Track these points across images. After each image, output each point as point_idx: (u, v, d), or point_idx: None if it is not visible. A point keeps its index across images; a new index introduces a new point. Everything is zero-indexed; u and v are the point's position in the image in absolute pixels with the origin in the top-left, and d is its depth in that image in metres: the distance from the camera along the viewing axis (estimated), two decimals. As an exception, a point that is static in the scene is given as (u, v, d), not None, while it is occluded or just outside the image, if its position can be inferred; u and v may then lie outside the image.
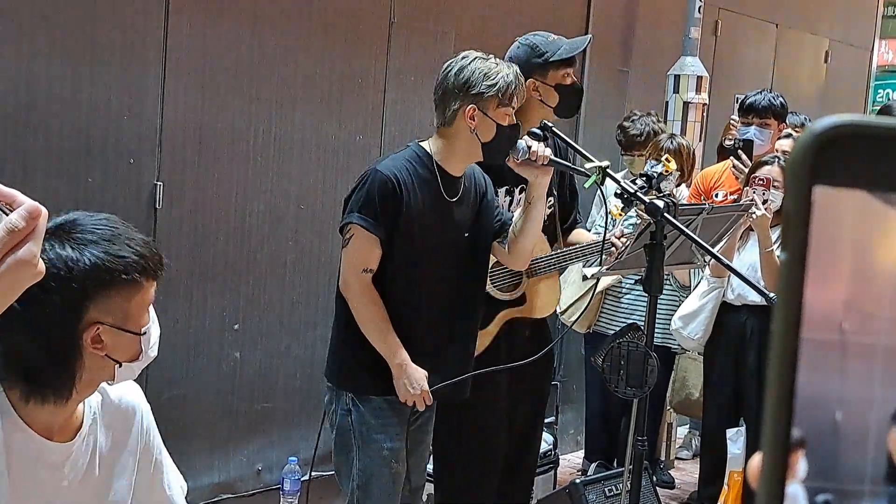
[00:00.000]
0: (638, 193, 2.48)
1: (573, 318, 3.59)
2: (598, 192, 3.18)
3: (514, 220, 2.55)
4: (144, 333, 1.43)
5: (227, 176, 3.40)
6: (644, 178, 2.67)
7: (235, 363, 3.50)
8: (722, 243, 3.12)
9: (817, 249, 0.36)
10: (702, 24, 4.87)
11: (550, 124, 2.72)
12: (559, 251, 2.96)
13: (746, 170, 3.72)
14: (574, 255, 2.93)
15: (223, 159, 3.38)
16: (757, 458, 0.37)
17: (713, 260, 2.77)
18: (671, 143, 3.92)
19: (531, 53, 2.80)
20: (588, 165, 2.56)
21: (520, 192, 2.88)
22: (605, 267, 2.80)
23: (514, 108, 2.40)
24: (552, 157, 2.47)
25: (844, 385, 0.37)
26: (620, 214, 2.84)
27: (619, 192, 2.54)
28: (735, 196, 3.77)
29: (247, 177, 3.46)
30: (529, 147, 2.42)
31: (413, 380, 2.37)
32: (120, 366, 1.42)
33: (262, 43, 3.44)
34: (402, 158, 2.41)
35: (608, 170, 2.50)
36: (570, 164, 2.64)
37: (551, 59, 2.78)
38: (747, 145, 3.96)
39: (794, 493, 0.37)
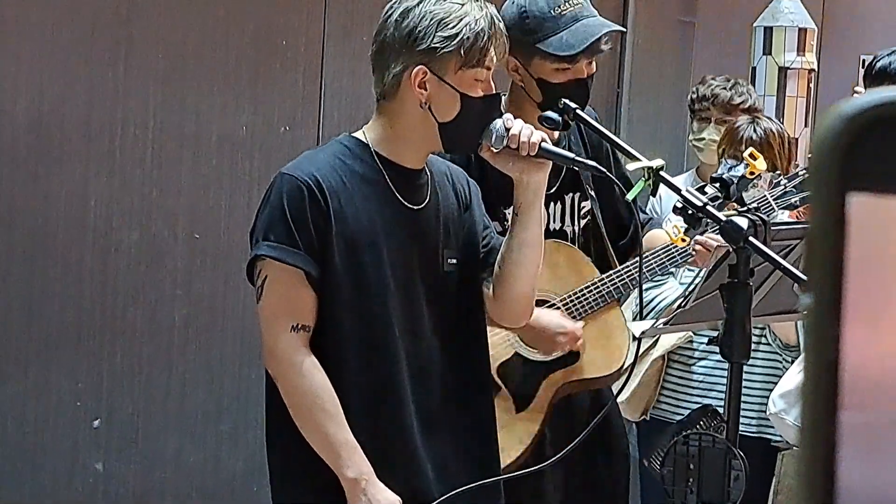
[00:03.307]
0: (708, 207, 2.49)
1: (617, 400, 3.59)
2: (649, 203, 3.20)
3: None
4: None
5: (79, 190, 3.40)
6: (718, 184, 2.67)
7: (97, 478, 3.47)
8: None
9: (858, 286, 0.35)
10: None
11: (574, 106, 2.72)
12: (612, 273, 2.96)
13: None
14: (639, 270, 2.89)
15: (72, 165, 3.38)
16: None
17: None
18: (753, 130, 3.94)
19: (518, 22, 2.80)
20: (632, 166, 2.57)
21: (580, 201, 2.95)
22: (661, 320, 2.80)
23: (489, 70, 2.40)
24: (545, 143, 2.44)
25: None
26: (683, 240, 2.85)
27: (679, 204, 2.54)
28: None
29: (111, 191, 3.46)
30: (508, 129, 2.42)
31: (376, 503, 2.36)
32: None
33: (135, -14, 3.46)
34: (324, 154, 2.47)
35: (662, 171, 2.50)
36: (574, 157, 2.59)
37: (538, 45, 2.80)
38: (880, 131, 3.98)
39: None
